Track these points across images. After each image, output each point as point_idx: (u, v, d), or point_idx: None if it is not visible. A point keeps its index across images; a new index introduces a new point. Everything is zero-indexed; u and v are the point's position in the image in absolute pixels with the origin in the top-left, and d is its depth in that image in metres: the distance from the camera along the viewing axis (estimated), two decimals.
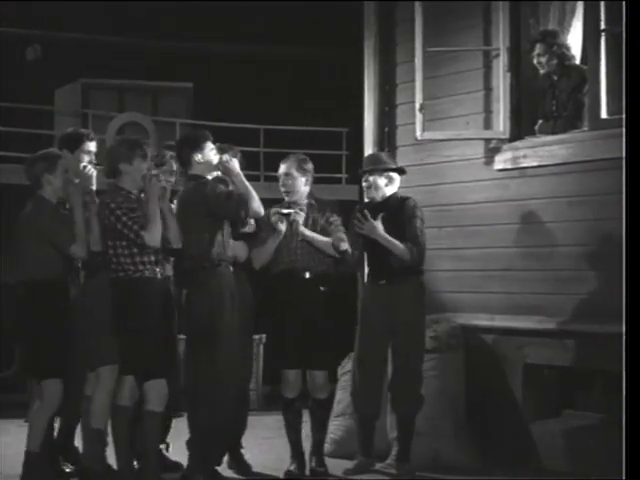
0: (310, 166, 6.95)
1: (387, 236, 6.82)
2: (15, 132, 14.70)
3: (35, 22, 17.28)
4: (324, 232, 6.86)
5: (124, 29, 17.65)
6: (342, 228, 6.91)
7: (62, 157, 6.58)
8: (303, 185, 6.90)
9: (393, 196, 7.04)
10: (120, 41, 17.71)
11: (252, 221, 6.86)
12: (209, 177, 6.61)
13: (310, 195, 6.97)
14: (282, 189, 6.92)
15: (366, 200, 7.08)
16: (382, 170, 7.04)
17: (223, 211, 6.50)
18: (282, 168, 6.93)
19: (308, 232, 6.82)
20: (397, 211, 6.96)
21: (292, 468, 6.88)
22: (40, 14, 17.26)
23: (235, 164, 6.57)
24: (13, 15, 16.47)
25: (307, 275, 6.82)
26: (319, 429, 6.93)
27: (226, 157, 6.59)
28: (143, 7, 17.33)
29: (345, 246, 6.83)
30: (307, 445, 7.00)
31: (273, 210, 6.82)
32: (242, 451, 7.10)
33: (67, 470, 6.77)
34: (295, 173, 6.87)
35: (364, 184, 7.07)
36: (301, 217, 6.81)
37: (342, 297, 7.06)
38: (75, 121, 16.73)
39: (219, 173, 6.67)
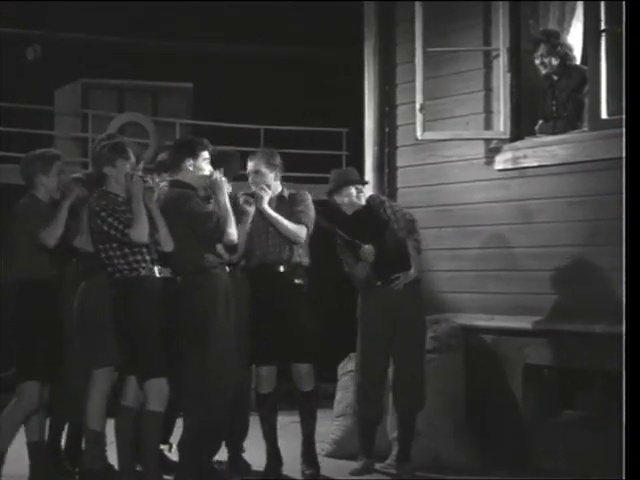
0: (278, 160, 6.89)
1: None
2: (15, 132, 14.68)
3: (35, 22, 17.26)
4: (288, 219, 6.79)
5: (124, 29, 17.63)
6: (307, 214, 6.82)
7: (59, 158, 6.55)
8: (273, 180, 6.86)
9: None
10: (120, 41, 17.68)
11: None
12: (196, 188, 6.51)
13: (282, 188, 6.91)
14: (252, 187, 6.86)
15: (348, 212, 7.07)
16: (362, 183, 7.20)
17: (200, 230, 6.39)
18: (250, 165, 6.88)
19: (270, 210, 6.75)
20: (373, 212, 7.03)
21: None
22: (40, 14, 17.26)
23: (224, 184, 6.46)
24: (13, 15, 16.46)
25: (281, 269, 6.79)
26: (307, 422, 6.86)
27: (216, 174, 6.47)
28: (143, 7, 17.32)
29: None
30: (299, 445, 6.98)
31: (241, 193, 6.78)
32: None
33: (70, 469, 6.78)
34: (263, 169, 6.83)
35: (354, 199, 7.04)
36: (266, 194, 6.76)
37: (337, 294, 7.00)
38: (75, 121, 16.74)
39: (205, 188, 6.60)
